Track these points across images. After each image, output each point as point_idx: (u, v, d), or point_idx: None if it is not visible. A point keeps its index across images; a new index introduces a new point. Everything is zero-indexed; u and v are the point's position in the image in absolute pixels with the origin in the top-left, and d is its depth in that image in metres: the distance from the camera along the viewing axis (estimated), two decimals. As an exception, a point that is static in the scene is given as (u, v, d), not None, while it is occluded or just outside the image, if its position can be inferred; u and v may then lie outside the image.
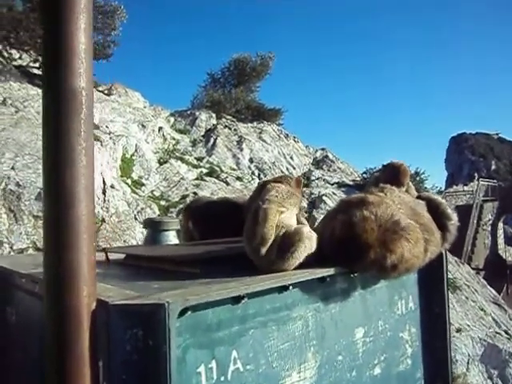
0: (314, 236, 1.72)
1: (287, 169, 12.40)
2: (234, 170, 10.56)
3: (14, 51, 7.92)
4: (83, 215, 1.19)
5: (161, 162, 8.82)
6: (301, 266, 1.72)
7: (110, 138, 7.72)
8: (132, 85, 12.34)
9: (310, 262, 1.76)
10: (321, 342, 1.77)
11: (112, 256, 2.34)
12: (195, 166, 9.75)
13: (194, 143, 11.41)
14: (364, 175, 13.94)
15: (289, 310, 1.64)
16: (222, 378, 1.38)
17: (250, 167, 11.24)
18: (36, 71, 8.13)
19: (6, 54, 7.93)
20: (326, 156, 15.11)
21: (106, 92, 10.16)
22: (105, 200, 6.19)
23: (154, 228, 3.06)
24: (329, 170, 13.46)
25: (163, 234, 3.04)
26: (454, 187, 33.17)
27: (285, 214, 1.70)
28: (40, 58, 7.86)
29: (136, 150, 8.32)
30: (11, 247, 4.77)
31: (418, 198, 2.41)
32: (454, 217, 2.31)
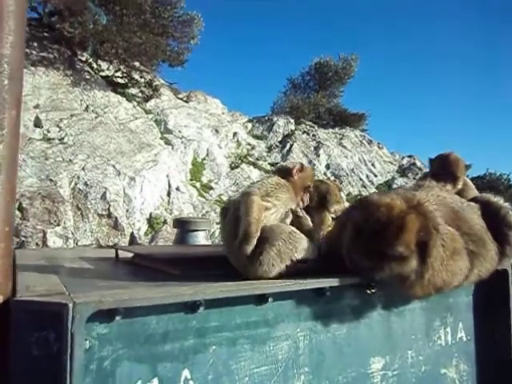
0: (300, 237, 1.40)
1: (367, 176, 11.70)
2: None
3: (101, 62, 8.58)
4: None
5: (232, 167, 8.84)
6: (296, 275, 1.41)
7: (182, 142, 7.93)
8: (212, 91, 12.63)
9: (306, 271, 1.45)
10: (316, 370, 1.43)
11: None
12: (268, 172, 9.62)
13: (269, 149, 11.31)
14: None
15: (269, 327, 1.34)
16: (165, 401, 1.14)
17: (325, 173, 10.80)
18: (120, 80, 8.72)
19: (94, 66, 8.63)
20: (414, 163, 14.01)
21: (184, 99, 10.55)
22: (169, 202, 6.32)
23: (183, 228, 2.92)
24: (414, 179, 12.41)
25: (192, 234, 2.89)
26: None
27: (270, 212, 1.41)
28: (122, 68, 8.43)
29: (207, 155, 8.44)
30: (76, 243, 5.04)
31: (474, 199, 1.93)
32: (521, 225, 1.79)
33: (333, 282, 1.44)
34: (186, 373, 1.19)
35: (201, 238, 2.89)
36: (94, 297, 1.02)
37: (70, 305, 0.96)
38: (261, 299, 1.30)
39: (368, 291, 1.55)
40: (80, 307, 0.97)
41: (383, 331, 1.62)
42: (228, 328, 1.26)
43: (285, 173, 1.54)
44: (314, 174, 1.86)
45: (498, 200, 1.90)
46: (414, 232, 1.38)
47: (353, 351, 1.52)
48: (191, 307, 1.19)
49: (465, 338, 1.92)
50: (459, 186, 2.00)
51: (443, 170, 1.99)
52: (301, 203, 1.59)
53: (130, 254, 2.14)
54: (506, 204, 1.89)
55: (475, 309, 1.97)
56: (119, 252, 2.22)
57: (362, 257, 1.42)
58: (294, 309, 1.40)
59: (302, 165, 1.59)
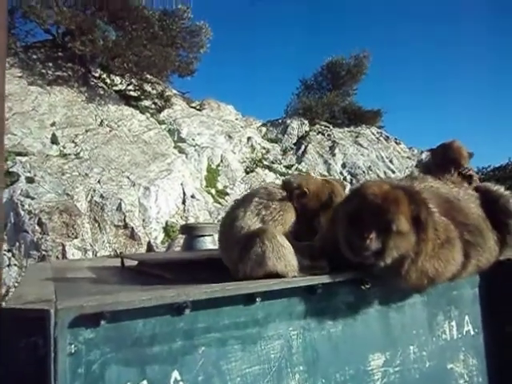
0: (280, 239, 1.39)
1: (385, 173, 11.53)
2: (324, 176, 10.17)
3: (114, 77, 8.79)
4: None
5: (247, 172, 8.88)
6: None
7: (195, 150, 8.03)
8: (225, 98, 12.75)
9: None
10: (312, 368, 1.43)
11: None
12: (283, 174, 9.61)
13: (284, 151, 11.31)
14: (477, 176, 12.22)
15: (260, 327, 1.35)
16: (155, 403, 1.16)
17: (341, 173, 10.71)
18: (132, 93, 8.91)
19: (108, 81, 8.85)
20: (433, 157, 13.72)
21: (197, 108, 10.67)
22: (184, 210, 6.39)
23: (190, 234, 2.96)
24: (434, 173, 12.17)
25: (199, 239, 2.92)
26: None
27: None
28: (134, 81, 8.61)
29: (221, 161, 8.51)
30: (95, 254, 5.16)
31: (475, 189, 1.89)
32: (522, 213, 1.74)
33: (323, 278, 1.43)
34: (175, 374, 1.21)
35: (208, 243, 2.92)
36: (76, 302, 1.05)
37: (52, 311, 0.99)
38: (249, 299, 1.31)
39: (363, 287, 1.53)
40: (62, 313, 1.01)
41: (381, 327, 1.60)
42: (216, 329, 1.28)
43: (289, 193, 1.53)
44: (333, 190, 1.65)
45: (498, 188, 1.85)
46: (407, 205, 1.36)
47: (350, 348, 1.51)
48: (178, 309, 1.21)
49: (472, 332, 1.87)
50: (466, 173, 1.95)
51: (446, 157, 1.95)
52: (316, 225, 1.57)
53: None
54: (507, 192, 1.84)
55: (482, 301, 1.91)
56: (128, 260, 2.26)
57: (364, 245, 1.38)
58: (286, 308, 1.40)
59: (303, 190, 1.53)
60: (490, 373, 1.90)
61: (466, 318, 1.86)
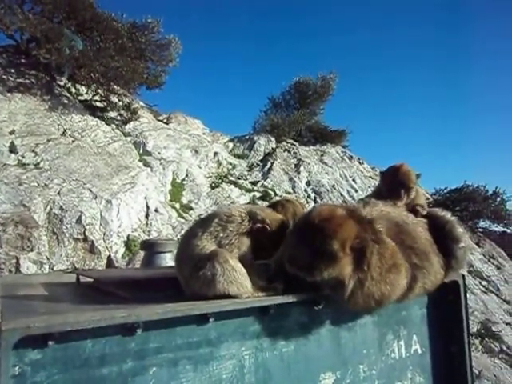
0: (232, 263, 1.41)
1: (348, 192, 11.83)
2: (289, 193, 10.30)
3: (79, 87, 8.63)
4: None
5: (212, 187, 8.87)
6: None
7: (161, 163, 7.96)
8: (193, 112, 12.75)
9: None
10: (263, 387, 1.45)
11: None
12: (248, 190, 9.67)
13: (250, 168, 11.40)
14: (433, 197, 12.81)
15: (212, 347, 1.36)
16: (102, 426, 1.15)
17: (306, 190, 10.90)
18: (98, 104, 8.76)
19: (73, 90, 8.68)
20: (394, 178, 14.18)
21: (164, 121, 10.63)
22: (147, 224, 6.30)
23: (150, 250, 2.92)
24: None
25: (159, 256, 2.89)
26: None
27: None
28: (100, 91, 8.48)
29: (187, 175, 8.47)
30: (52, 268, 4.98)
31: (425, 216, 1.98)
32: (465, 239, 1.85)
33: (276, 299, 1.47)
34: (125, 396, 1.20)
35: (168, 260, 2.89)
36: (22, 323, 1.03)
37: (-5, 332, 0.97)
38: (202, 319, 1.33)
39: (315, 307, 1.58)
40: (6, 334, 0.99)
41: (333, 347, 1.65)
42: (168, 349, 1.28)
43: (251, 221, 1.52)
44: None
45: (445, 214, 1.96)
46: (351, 236, 1.42)
47: (302, 368, 1.54)
48: (129, 329, 1.21)
49: (420, 351, 1.95)
50: (412, 196, 2.04)
51: (396, 181, 2.03)
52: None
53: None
54: (453, 218, 1.94)
55: (430, 321, 2.01)
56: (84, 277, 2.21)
57: (297, 258, 1.44)
58: (238, 328, 1.42)
59: (264, 226, 1.50)
60: (436, 390, 1.98)
61: (414, 337, 1.94)
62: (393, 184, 2.03)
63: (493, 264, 11.91)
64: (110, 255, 5.61)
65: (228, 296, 1.38)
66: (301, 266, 1.43)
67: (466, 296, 2.02)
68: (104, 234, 5.69)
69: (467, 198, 12.16)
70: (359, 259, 1.43)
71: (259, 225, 1.49)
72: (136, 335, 1.21)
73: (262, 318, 1.46)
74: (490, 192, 12.68)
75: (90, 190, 5.96)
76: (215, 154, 10.51)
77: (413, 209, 1.95)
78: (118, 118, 9.03)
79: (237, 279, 1.37)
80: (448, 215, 1.95)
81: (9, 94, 7.40)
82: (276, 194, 9.88)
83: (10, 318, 1.10)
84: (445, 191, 12.75)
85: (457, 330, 2.01)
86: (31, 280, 2.36)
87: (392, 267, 1.52)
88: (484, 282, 10.27)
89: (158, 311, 1.22)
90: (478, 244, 12.65)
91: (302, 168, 11.82)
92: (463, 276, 2.04)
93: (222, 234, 1.46)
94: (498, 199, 12.69)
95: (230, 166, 10.87)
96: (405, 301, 1.70)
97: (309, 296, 1.53)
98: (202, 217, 1.64)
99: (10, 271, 4.72)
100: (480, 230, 13.32)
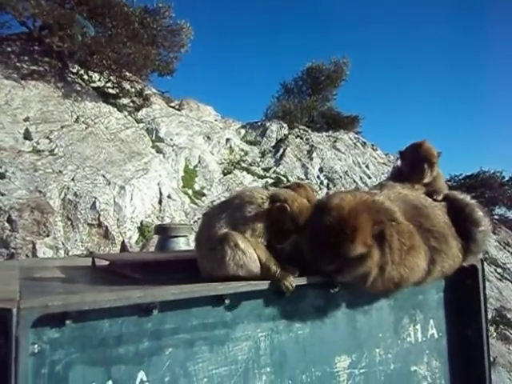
0: (243, 246, 1.39)
1: (361, 178, 11.72)
2: (301, 179, 10.23)
3: (92, 74, 8.65)
4: None
5: (225, 173, 8.87)
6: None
7: (173, 150, 7.96)
8: (205, 99, 12.68)
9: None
10: (279, 369, 1.45)
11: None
12: (261, 177, 9.65)
13: (263, 154, 11.35)
14: (448, 183, 12.57)
15: (228, 328, 1.36)
16: (119, 403, 1.16)
17: (319, 177, 10.83)
18: (110, 91, 8.78)
19: (85, 77, 8.69)
20: (408, 164, 13.99)
21: (176, 107, 10.60)
22: (160, 210, 6.33)
23: (164, 234, 2.94)
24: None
25: (173, 240, 2.91)
26: None
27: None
28: (112, 78, 8.48)
29: (199, 162, 8.47)
30: (67, 253, 5.05)
31: (444, 199, 1.93)
32: (485, 222, 1.80)
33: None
34: (141, 375, 1.21)
35: (181, 244, 2.91)
36: (40, 301, 1.04)
37: (14, 310, 0.98)
38: (217, 300, 1.32)
39: (331, 290, 1.56)
40: (24, 312, 0.99)
41: (348, 330, 1.63)
42: (184, 330, 1.28)
43: (271, 203, 1.49)
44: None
45: (465, 197, 1.91)
46: (369, 228, 1.40)
47: (317, 350, 1.54)
48: (145, 310, 1.21)
49: (436, 335, 1.93)
50: (434, 174, 1.98)
51: (418, 157, 1.96)
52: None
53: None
54: (473, 201, 1.90)
55: (447, 305, 1.98)
56: (100, 260, 2.23)
57: (323, 263, 1.43)
58: (254, 309, 1.41)
59: (284, 206, 1.47)
60: (452, 375, 1.96)
61: (431, 321, 1.92)
62: (415, 160, 1.96)
63: (508, 251, 11.75)
64: (123, 240, 5.66)
65: (238, 278, 1.37)
66: (328, 271, 1.42)
67: (484, 281, 1.99)
68: (118, 220, 5.74)
69: (483, 184, 11.96)
70: (381, 244, 1.41)
71: (278, 204, 1.47)
72: (152, 316, 1.22)
73: (277, 300, 1.45)
74: (507, 178, 12.44)
75: (103, 176, 6.00)
76: (227, 140, 10.47)
77: (428, 193, 1.90)
78: (131, 104, 9.03)
79: (245, 263, 1.36)
80: (467, 198, 1.90)
81: (23, 82, 7.44)
82: (288, 181, 9.83)
83: (29, 298, 1.11)
84: (460, 177, 12.55)
85: (474, 315, 1.98)
86: (48, 263, 2.39)
87: (411, 249, 1.49)
88: (499, 270, 10.15)
89: (174, 292, 1.21)
90: (493, 231, 12.48)
91: (314, 154, 11.72)
92: (482, 261, 2.00)
93: (238, 216, 1.45)
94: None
95: (243, 153, 10.84)
96: (423, 284, 1.68)
97: (325, 279, 1.51)
98: (227, 198, 1.62)
99: (26, 256, 4.80)
100: (496, 216, 13.13)
